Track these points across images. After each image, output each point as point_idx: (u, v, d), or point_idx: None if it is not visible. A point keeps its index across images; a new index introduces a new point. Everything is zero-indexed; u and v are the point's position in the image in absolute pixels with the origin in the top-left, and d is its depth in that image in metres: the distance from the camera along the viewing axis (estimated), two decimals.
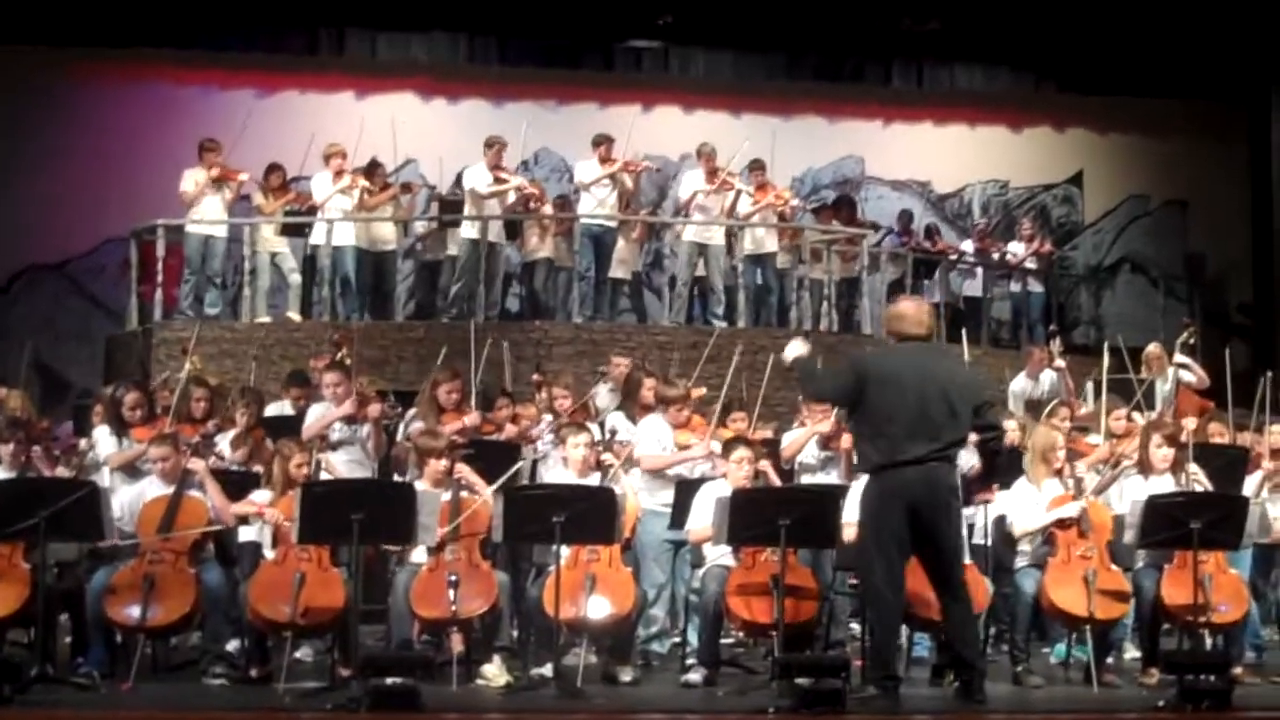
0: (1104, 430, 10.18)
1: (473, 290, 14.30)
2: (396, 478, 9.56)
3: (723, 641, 8.60)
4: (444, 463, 8.45)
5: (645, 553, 8.98)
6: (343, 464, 9.45)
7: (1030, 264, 17.14)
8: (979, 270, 17.18)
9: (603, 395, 11.38)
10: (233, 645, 8.44)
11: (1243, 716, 7.22)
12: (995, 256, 17.29)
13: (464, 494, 8.39)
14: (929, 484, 7.34)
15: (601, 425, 9.98)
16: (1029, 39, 18.36)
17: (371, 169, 14.94)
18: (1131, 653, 8.93)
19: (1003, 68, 19.40)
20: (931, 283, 16.63)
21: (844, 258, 15.81)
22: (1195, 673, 7.28)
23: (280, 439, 8.97)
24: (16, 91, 17.16)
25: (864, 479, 7.69)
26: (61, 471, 9.40)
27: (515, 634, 8.51)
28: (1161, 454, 8.84)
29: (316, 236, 14.49)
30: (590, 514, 7.82)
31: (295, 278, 14.90)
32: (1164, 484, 8.71)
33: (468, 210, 14.50)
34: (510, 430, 10.02)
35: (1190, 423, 10.41)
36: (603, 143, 14.66)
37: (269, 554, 8.39)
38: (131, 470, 9.25)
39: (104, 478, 9.27)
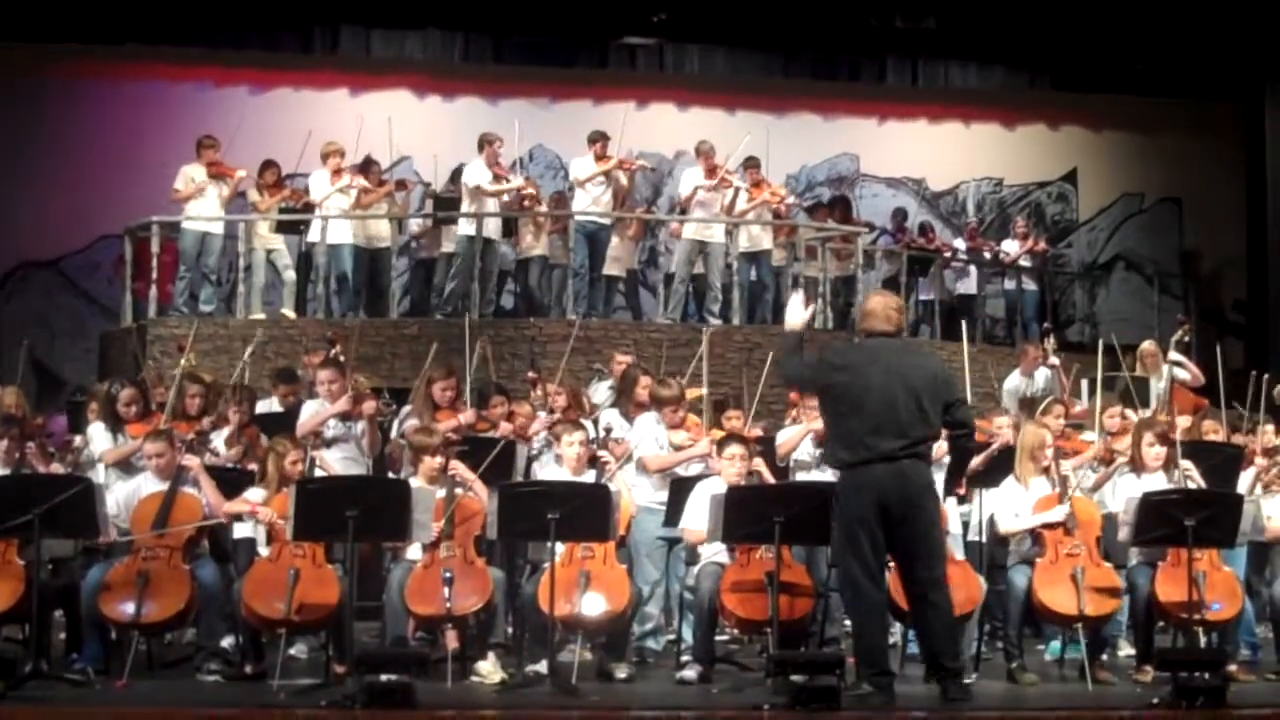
0: (1098, 428, 10.19)
1: (467, 288, 14.30)
2: (391, 475, 9.55)
3: (717, 639, 8.62)
4: (439, 460, 8.45)
5: (640, 550, 8.99)
6: (337, 461, 9.44)
7: (1025, 262, 17.17)
8: (973, 268, 17.20)
9: (601, 392, 11.38)
10: (227, 642, 8.44)
11: (1237, 714, 7.21)
12: (988, 254, 17.31)
13: (459, 491, 8.38)
14: (900, 481, 7.30)
15: (595, 423, 9.98)
16: (1023, 37, 18.39)
17: (366, 166, 14.95)
18: (1126, 650, 8.94)
19: (997, 65, 19.44)
20: (926, 280, 16.66)
21: (839, 255, 15.83)
22: (1190, 670, 7.26)
23: (274, 436, 8.98)
24: (9, 88, 17.16)
25: None
26: (56, 468, 9.39)
27: (510, 631, 8.50)
28: (1154, 452, 8.85)
29: (314, 234, 14.48)
30: (585, 511, 7.82)
31: (290, 275, 14.90)
32: (1156, 481, 8.72)
33: (466, 206, 14.50)
34: (505, 428, 10.02)
35: (1184, 420, 10.42)
36: (598, 140, 14.65)
37: (264, 551, 8.39)
38: (126, 466, 9.24)
39: (99, 474, 9.26)
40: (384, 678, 6.93)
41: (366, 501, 7.64)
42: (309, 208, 14.65)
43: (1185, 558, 7.98)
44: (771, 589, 7.75)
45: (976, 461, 9.23)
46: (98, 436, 9.60)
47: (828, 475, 9.46)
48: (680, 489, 8.80)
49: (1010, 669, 8.26)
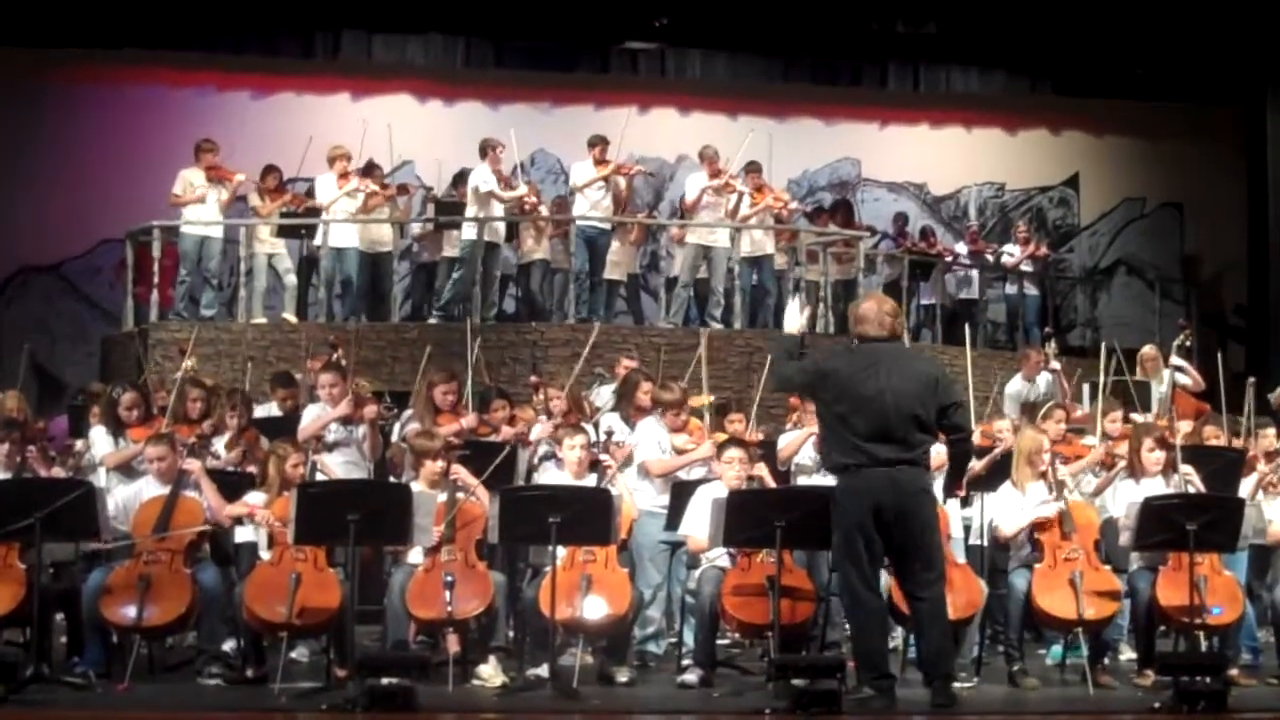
0: (1100, 432, 10.18)
1: (468, 292, 14.30)
2: (392, 479, 9.55)
3: (719, 642, 8.60)
4: (440, 464, 8.46)
5: (641, 553, 8.99)
6: (338, 465, 9.44)
7: (1026, 266, 17.17)
8: (974, 273, 17.20)
9: (603, 396, 11.38)
10: (228, 645, 8.44)
11: (1238, 718, 7.23)
12: (989, 259, 17.32)
13: (460, 495, 8.38)
14: (895, 486, 7.30)
15: (596, 426, 9.98)
16: (1025, 42, 18.40)
17: (368, 171, 14.95)
18: (1127, 654, 8.93)
19: (998, 70, 19.45)
20: (927, 285, 16.66)
21: (840, 260, 15.83)
22: (1191, 674, 7.27)
23: (275, 440, 8.98)
24: (10, 93, 17.18)
25: None
26: (58, 472, 9.38)
27: (511, 634, 8.50)
28: (1154, 457, 8.84)
29: (319, 238, 14.48)
30: (586, 515, 7.82)
31: (291, 279, 14.90)
32: (1155, 486, 8.72)
33: (471, 210, 14.49)
34: (507, 432, 10.02)
35: (1185, 425, 10.41)
36: (598, 144, 14.65)
37: (265, 554, 8.39)
38: (128, 470, 9.23)
39: (100, 478, 9.26)
40: (385, 681, 6.95)
41: (368, 505, 7.64)
42: (310, 212, 14.65)
43: (1186, 562, 7.97)
44: (773, 593, 7.74)
45: (979, 465, 9.24)
46: (99, 440, 9.60)
47: (829, 480, 9.49)
48: (681, 492, 8.80)
49: (1011, 673, 8.25)
